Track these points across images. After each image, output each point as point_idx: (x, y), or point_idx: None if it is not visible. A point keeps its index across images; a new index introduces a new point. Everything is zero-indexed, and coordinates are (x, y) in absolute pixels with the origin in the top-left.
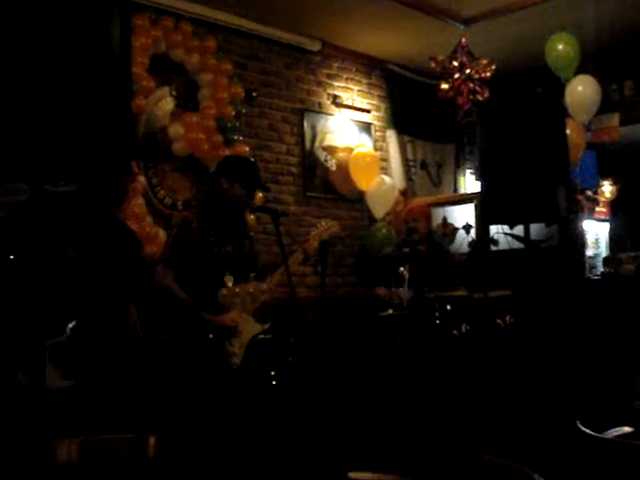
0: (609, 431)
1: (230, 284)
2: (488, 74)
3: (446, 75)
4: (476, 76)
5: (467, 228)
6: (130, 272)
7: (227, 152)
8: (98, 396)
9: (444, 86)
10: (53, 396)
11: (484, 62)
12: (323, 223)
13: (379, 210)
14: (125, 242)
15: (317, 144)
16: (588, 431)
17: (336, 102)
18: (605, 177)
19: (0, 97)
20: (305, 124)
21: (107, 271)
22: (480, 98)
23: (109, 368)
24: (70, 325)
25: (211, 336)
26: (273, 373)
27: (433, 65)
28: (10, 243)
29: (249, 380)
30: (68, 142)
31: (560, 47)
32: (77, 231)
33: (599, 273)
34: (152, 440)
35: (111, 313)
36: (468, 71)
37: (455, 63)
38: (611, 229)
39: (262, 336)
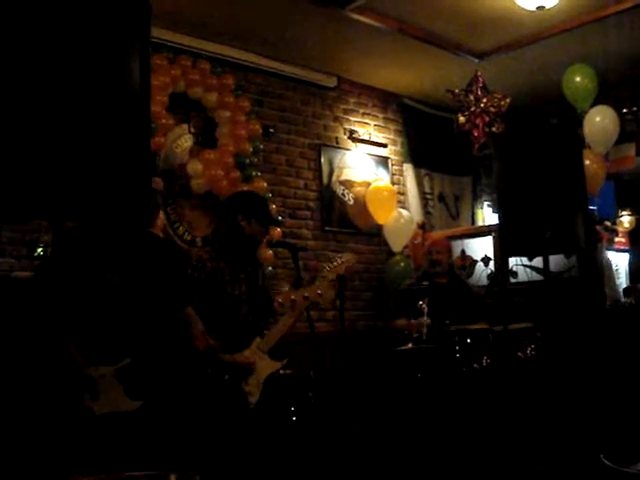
0: (633, 465)
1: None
2: (503, 107)
3: (462, 108)
4: (492, 109)
5: (486, 260)
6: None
7: (245, 188)
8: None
9: (461, 119)
10: (122, 419)
11: (499, 95)
12: (334, 262)
13: (397, 244)
14: (167, 256)
15: (334, 179)
16: (612, 465)
17: (353, 137)
18: (623, 207)
19: (21, 134)
20: (322, 159)
21: (155, 291)
22: (496, 130)
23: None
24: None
25: (227, 377)
26: (293, 409)
27: (450, 96)
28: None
29: (268, 417)
30: (88, 179)
31: (577, 79)
32: (116, 254)
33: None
34: (173, 478)
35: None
36: (483, 104)
37: (471, 96)
38: (631, 259)
39: (281, 372)
